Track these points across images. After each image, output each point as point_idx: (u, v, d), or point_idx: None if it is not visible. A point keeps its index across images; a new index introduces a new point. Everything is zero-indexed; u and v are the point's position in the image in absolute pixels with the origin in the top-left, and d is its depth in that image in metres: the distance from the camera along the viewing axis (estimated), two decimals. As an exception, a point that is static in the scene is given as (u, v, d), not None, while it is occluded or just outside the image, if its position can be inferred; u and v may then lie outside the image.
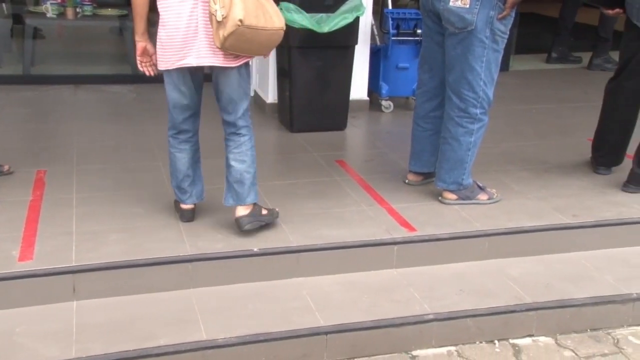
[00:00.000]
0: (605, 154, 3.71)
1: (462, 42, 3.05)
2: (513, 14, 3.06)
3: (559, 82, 5.87)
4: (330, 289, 2.76)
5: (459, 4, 2.99)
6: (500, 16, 2.99)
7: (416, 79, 3.50)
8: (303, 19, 3.96)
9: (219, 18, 2.51)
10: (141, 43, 2.80)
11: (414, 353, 2.57)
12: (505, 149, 4.10)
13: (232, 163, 2.87)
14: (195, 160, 2.98)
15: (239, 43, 2.59)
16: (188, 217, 3.00)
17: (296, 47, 4.16)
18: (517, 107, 5.08)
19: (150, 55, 2.83)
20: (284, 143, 4.26)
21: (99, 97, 5.11)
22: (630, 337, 2.70)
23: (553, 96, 5.40)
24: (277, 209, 3.08)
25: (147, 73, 2.88)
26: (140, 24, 2.76)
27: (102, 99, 5.08)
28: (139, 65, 2.87)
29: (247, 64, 2.82)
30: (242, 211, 2.89)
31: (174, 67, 2.72)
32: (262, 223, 2.94)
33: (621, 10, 3.44)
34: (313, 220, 3.08)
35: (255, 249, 2.78)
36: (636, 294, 2.78)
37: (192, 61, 2.69)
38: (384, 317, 2.58)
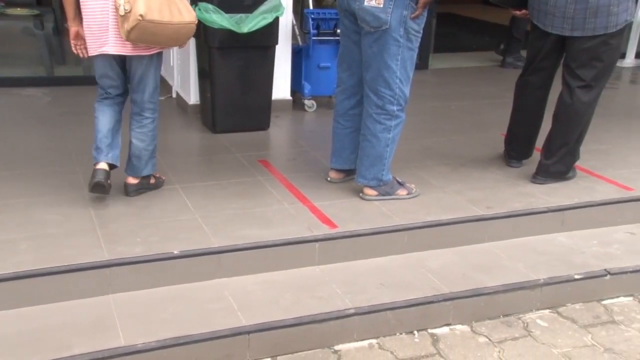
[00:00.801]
0: (516, 147, 3.87)
1: (378, 41, 3.11)
2: (425, 14, 3.14)
3: (476, 80, 6.05)
4: (252, 288, 2.77)
5: (373, 3, 3.05)
6: (413, 16, 3.07)
7: (337, 78, 3.55)
8: (222, 20, 3.94)
9: (122, 12, 2.76)
10: (73, 28, 3.01)
11: (337, 348, 2.60)
12: (424, 145, 4.21)
13: (133, 140, 3.17)
14: (116, 128, 3.15)
15: (144, 36, 2.82)
16: (99, 177, 3.03)
17: (216, 48, 4.13)
18: (436, 104, 5.22)
19: (84, 39, 3.02)
20: (207, 144, 4.23)
21: (11, 100, 4.91)
22: (538, 321, 2.83)
23: (470, 93, 5.57)
24: (163, 177, 3.41)
25: (81, 55, 3.07)
26: (69, 9, 2.96)
27: (15, 102, 4.89)
28: (73, 49, 3.07)
29: (159, 53, 3.06)
30: (132, 179, 3.23)
31: (96, 54, 2.98)
32: (147, 190, 3.28)
33: (527, 12, 3.59)
34: (235, 221, 3.07)
35: (175, 252, 2.75)
36: (543, 279, 2.92)
37: (109, 49, 2.94)
38: (306, 314, 2.60)
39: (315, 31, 4.73)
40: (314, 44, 4.76)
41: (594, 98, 3.47)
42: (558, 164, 3.59)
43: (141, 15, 2.72)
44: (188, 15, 2.93)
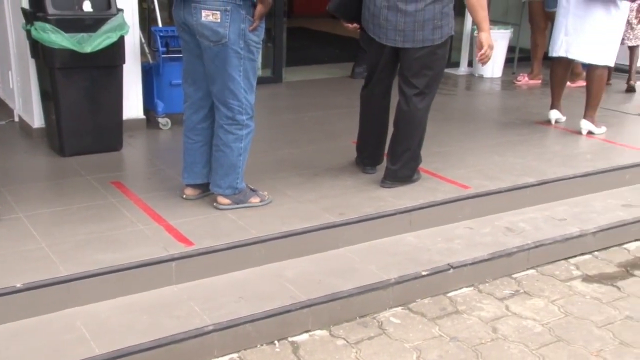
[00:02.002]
0: (367, 155, 4.00)
1: (219, 55, 3.11)
2: (263, 26, 3.18)
3: (327, 91, 6.20)
4: (107, 314, 2.64)
5: (210, 18, 3.04)
6: (251, 28, 3.10)
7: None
8: (62, 39, 3.74)
9: None
10: None
11: (197, 366, 2.55)
12: (278, 157, 4.24)
13: None
14: None
15: None
16: None
17: (58, 69, 3.90)
18: (290, 116, 5.29)
19: None
20: (55, 168, 3.98)
21: None
22: (391, 318, 2.93)
23: (322, 104, 5.69)
24: None
25: None
26: None
27: None
28: None
29: None
30: None
31: None
32: None
33: (358, 26, 3.74)
34: (86, 246, 2.91)
35: (18, 285, 2.56)
36: (394, 279, 3.03)
37: None
38: (163, 335, 2.51)
39: (164, 49, 4.62)
40: (164, 61, 4.66)
41: (428, 104, 3.68)
42: (403, 168, 3.75)
43: None
44: None
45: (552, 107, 5.14)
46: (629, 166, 4.36)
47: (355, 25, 3.75)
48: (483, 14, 3.50)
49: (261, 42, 3.22)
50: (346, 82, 6.35)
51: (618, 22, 4.66)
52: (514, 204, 3.88)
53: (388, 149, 3.81)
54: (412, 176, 3.81)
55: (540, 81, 6.51)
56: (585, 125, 4.89)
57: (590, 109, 4.89)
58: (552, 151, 4.61)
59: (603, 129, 4.93)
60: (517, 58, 7.08)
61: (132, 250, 2.91)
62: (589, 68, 4.88)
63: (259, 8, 3.08)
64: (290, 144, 4.55)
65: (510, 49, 6.94)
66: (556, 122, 5.14)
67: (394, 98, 3.81)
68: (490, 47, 3.55)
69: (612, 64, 4.82)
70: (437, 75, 3.65)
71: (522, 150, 4.54)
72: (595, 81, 4.82)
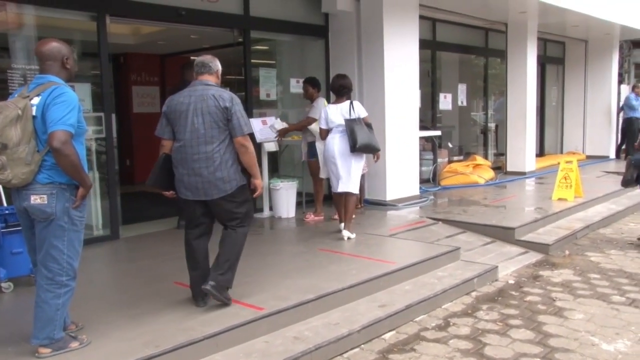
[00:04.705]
0: (197, 288, 3.97)
1: (47, 227, 3.15)
2: (85, 202, 3.25)
3: (156, 242, 6.12)
4: None
5: (38, 201, 3.09)
6: (74, 206, 3.17)
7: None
8: None
9: None
10: None
11: None
12: (110, 302, 4.13)
13: None
14: None
15: None
16: None
17: None
18: (123, 266, 5.18)
19: None
20: None
21: None
22: None
23: (151, 254, 5.58)
24: None
25: None
26: None
27: None
28: None
29: None
30: None
31: None
32: None
33: (173, 192, 3.97)
34: None
35: None
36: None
37: None
38: None
39: (3, 224, 4.44)
40: (4, 235, 4.45)
41: (246, 230, 4.02)
42: (225, 274, 3.89)
43: None
44: None
45: (341, 221, 6.06)
46: (382, 275, 4.76)
47: (172, 192, 4.02)
48: (256, 169, 4.00)
49: (84, 215, 3.28)
50: (172, 233, 6.35)
51: (361, 167, 5.94)
52: (300, 316, 4.04)
53: (214, 260, 3.95)
54: (229, 284, 3.95)
55: (322, 217, 7.01)
56: (346, 233, 5.91)
57: (348, 222, 5.95)
58: (329, 271, 4.89)
59: (354, 235, 5.93)
60: (305, 201, 7.62)
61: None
62: (346, 195, 5.89)
63: (81, 190, 3.19)
64: (121, 290, 4.45)
65: (299, 194, 7.47)
66: (348, 239, 5.88)
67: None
68: (262, 189, 4.07)
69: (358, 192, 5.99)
70: (248, 211, 4.02)
71: (307, 273, 4.76)
72: (351, 203, 5.90)
